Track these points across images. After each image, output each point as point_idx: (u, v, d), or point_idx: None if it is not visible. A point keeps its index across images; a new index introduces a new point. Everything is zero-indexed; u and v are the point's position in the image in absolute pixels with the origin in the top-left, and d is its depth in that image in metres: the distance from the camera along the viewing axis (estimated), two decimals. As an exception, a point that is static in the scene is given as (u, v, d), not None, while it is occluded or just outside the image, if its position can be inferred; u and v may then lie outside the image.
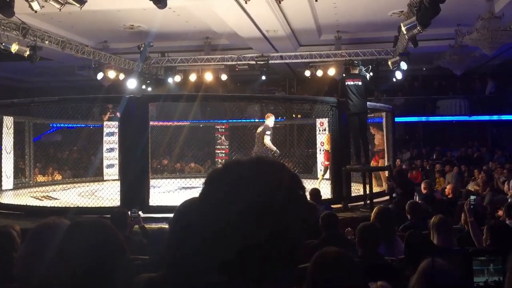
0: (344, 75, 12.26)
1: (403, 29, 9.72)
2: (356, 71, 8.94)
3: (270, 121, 9.71)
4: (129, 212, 5.06)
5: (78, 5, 8.59)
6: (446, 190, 8.70)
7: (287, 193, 1.00)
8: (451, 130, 19.41)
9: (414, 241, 3.88)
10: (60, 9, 8.59)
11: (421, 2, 7.95)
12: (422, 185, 8.35)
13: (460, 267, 3.62)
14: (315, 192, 7.19)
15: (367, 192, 8.33)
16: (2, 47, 11.01)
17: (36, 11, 8.61)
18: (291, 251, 1.00)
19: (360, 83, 8.40)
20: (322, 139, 11.58)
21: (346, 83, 8.41)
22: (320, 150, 11.95)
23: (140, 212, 5.31)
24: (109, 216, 4.86)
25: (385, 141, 10.90)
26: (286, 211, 0.98)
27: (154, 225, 6.27)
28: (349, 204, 8.36)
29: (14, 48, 11.03)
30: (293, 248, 1.00)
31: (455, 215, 6.59)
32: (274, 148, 9.77)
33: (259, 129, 9.71)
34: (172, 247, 1.69)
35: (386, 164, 9.96)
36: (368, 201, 8.15)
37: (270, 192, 0.98)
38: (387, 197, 8.67)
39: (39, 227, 1.85)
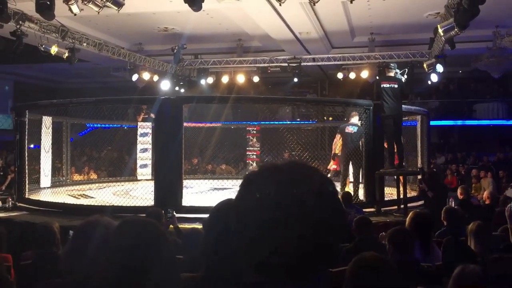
0: (377, 77, 12.09)
1: (440, 30, 9.55)
2: (392, 74, 8.80)
3: (355, 119, 9.60)
4: (164, 212, 5.13)
5: (116, 8, 8.78)
6: (484, 196, 8.46)
7: (322, 197, 1.01)
8: (487, 135, 18.90)
9: (452, 248, 3.80)
10: (99, 12, 8.79)
11: (460, 4, 7.79)
12: (459, 191, 8.14)
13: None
14: (346, 195, 7.15)
15: (401, 196, 8.20)
16: (43, 49, 11.36)
17: (75, 14, 8.84)
18: (326, 253, 1.01)
19: (396, 85, 8.28)
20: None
21: (382, 86, 8.31)
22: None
23: (174, 212, 5.38)
24: (143, 215, 4.94)
25: (419, 144, 10.70)
26: (321, 214, 1.00)
27: (187, 225, 6.35)
28: (382, 209, 8.25)
29: (54, 50, 11.37)
30: (328, 250, 1.01)
31: (493, 221, 6.41)
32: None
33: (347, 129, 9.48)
34: (209, 249, 1.71)
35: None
36: (402, 206, 8.02)
37: (306, 195, 1.00)
38: (421, 202, 8.51)
39: (84, 224, 1.91)
